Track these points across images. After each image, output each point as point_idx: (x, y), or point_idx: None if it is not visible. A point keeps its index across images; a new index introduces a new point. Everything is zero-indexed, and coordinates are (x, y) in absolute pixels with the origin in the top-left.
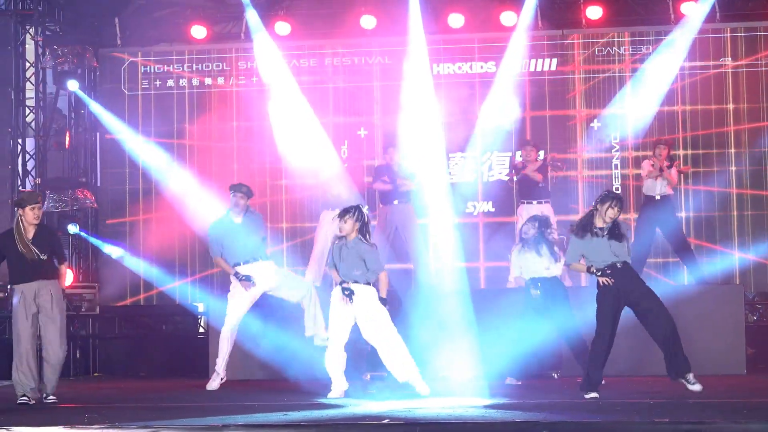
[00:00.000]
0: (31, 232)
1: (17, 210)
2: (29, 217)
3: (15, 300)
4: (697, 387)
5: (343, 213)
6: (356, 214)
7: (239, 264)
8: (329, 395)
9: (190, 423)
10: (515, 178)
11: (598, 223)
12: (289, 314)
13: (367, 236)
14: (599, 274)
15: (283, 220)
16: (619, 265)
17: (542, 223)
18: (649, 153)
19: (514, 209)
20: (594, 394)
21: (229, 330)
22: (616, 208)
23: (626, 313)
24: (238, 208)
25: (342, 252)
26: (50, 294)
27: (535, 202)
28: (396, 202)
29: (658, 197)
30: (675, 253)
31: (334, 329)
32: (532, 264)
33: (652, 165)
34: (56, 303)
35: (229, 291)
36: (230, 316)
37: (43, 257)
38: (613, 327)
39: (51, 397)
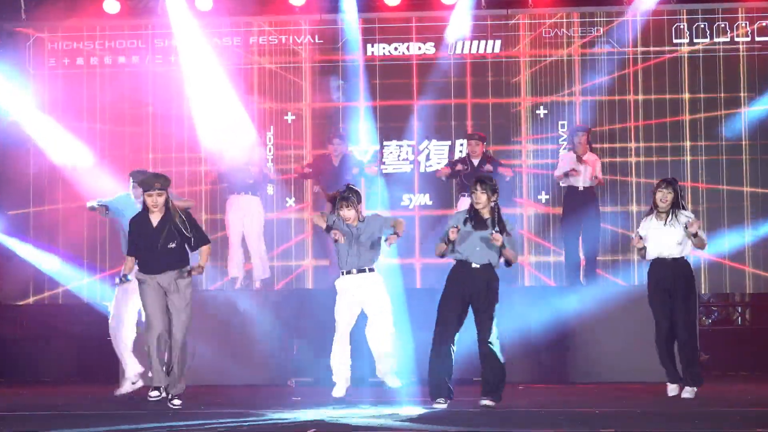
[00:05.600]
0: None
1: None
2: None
3: None
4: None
5: (345, 199)
6: (356, 196)
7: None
8: (333, 393)
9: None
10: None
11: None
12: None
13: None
14: None
15: (203, 211)
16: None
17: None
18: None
19: (453, 202)
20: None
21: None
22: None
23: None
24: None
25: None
26: None
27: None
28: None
29: (581, 188)
30: (583, 253)
31: (341, 322)
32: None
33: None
34: None
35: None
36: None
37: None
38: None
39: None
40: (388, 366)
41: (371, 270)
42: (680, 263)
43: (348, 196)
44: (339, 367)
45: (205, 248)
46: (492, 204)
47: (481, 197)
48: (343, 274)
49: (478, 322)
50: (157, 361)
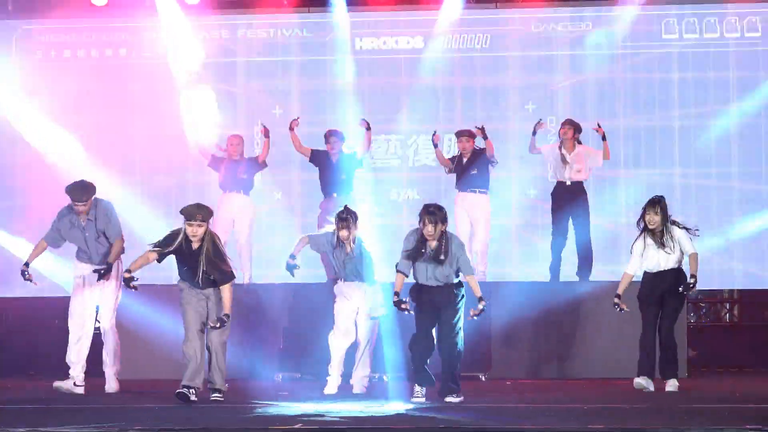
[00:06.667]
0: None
1: None
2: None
3: None
4: None
5: (344, 221)
6: (353, 217)
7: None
8: (324, 390)
9: (82, 427)
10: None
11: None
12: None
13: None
14: None
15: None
16: None
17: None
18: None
19: (440, 196)
20: None
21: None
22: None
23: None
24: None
25: (344, 257)
26: None
27: (468, 190)
28: (335, 194)
29: (568, 183)
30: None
31: (340, 322)
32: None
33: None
34: None
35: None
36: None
37: None
38: None
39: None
40: (359, 376)
41: (370, 282)
42: (676, 272)
43: (346, 217)
44: (333, 363)
45: (226, 290)
46: (441, 232)
47: (431, 229)
48: (341, 281)
49: (439, 330)
50: (200, 367)
